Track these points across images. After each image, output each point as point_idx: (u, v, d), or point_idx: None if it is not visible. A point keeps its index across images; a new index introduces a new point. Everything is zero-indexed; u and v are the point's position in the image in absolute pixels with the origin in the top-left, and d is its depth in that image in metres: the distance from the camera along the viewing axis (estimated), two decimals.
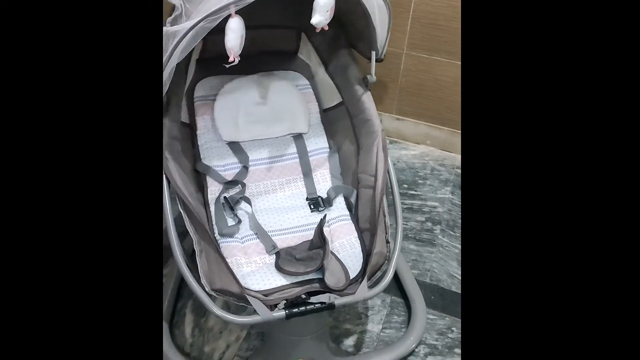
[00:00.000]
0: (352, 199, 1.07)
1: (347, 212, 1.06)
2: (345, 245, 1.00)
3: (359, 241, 1.00)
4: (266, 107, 1.14)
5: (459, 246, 1.29)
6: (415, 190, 1.45)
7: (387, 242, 0.95)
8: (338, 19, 0.90)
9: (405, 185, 1.46)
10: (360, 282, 0.88)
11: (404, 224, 1.35)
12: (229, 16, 0.77)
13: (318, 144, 1.16)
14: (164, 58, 0.78)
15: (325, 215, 0.97)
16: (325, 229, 1.03)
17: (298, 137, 1.15)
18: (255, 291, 0.89)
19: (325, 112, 1.20)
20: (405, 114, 1.58)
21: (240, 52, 0.80)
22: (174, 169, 0.90)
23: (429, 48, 1.42)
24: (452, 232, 1.33)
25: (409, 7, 1.36)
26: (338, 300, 0.85)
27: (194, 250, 0.88)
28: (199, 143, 1.10)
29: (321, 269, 0.90)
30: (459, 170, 1.50)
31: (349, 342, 1.09)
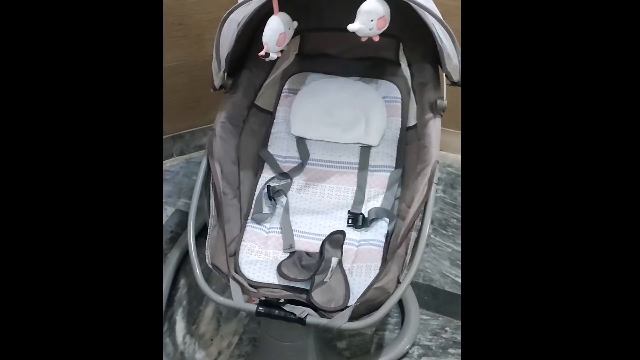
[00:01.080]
0: (390, 228, 0.99)
1: (383, 239, 0.99)
2: (362, 270, 0.94)
3: (377, 271, 0.93)
4: (343, 111, 1.12)
5: (452, 245, 1.28)
6: None
7: (399, 282, 0.86)
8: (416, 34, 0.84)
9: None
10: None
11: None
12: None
13: (384, 160, 1.09)
14: (215, 43, 0.84)
15: (340, 231, 0.93)
16: (352, 248, 0.99)
17: (365, 149, 1.11)
18: (246, 279, 0.91)
19: (408, 130, 1.12)
20: None
21: (277, 49, 0.81)
22: (217, 147, 0.97)
23: None
24: (444, 232, 1.31)
25: None
26: (310, 319, 0.81)
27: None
28: (272, 131, 1.15)
29: (312, 281, 0.87)
30: (451, 169, 1.49)
31: (342, 345, 1.06)
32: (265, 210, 1.05)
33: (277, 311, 0.82)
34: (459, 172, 1.47)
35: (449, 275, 1.20)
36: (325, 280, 0.89)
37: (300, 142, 1.14)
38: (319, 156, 1.12)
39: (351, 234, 1.00)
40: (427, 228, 0.87)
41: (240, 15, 0.79)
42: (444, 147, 1.41)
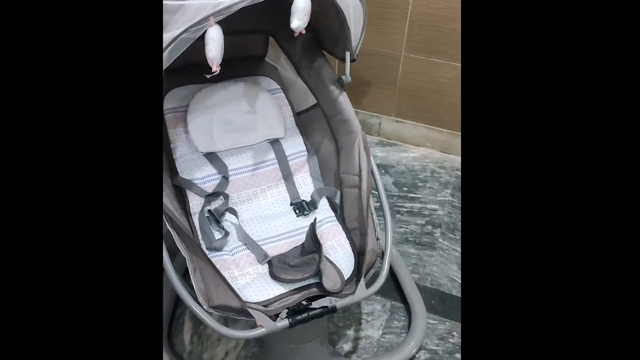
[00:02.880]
0: (337, 200, 1.07)
1: (333, 214, 1.06)
2: (335, 246, 1.01)
3: (348, 241, 1.01)
4: (240, 114, 1.12)
5: (460, 249, 1.27)
6: (415, 193, 1.44)
7: (377, 239, 0.96)
8: (310, 21, 0.90)
9: (405, 188, 1.45)
10: (357, 282, 0.89)
11: (404, 227, 1.34)
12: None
13: (296, 147, 1.15)
14: None
15: (315, 219, 0.97)
16: None
17: (275, 142, 1.14)
18: (255, 303, 0.87)
19: (299, 115, 1.19)
20: (404, 116, 1.58)
21: (220, 60, 0.78)
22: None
23: (427, 50, 1.42)
24: (452, 235, 1.31)
25: (406, 9, 1.37)
26: (339, 303, 0.85)
27: (186, 270, 0.85)
28: (175, 157, 1.07)
29: (318, 273, 0.90)
30: (459, 173, 1.48)
31: (349, 347, 1.08)
32: (217, 235, 0.99)
33: (308, 313, 0.83)
34: None
35: (456, 279, 1.19)
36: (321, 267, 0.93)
37: (212, 157, 1.08)
38: (237, 164, 1.10)
39: (304, 221, 1.05)
40: (381, 187, 1.00)
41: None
42: (452, 151, 1.55)
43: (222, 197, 1.04)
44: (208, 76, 0.78)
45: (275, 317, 0.83)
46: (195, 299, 0.82)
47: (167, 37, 0.72)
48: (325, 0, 0.87)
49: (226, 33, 0.89)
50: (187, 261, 0.84)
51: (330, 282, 0.90)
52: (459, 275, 1.21)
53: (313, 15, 0.84)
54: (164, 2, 0.73)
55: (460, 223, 1.34)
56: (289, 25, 0.90)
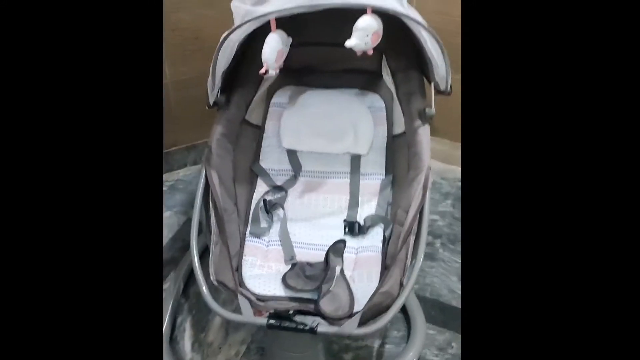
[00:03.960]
0: (387, 233, 1.02)
1: (380, 245, 1.02)
2: (364, 276, 0.97)
3: (378, 277, 0.96)
4: (332, 122, 1.15)
5: (460, 260, 1.26)
6: None
7: (401, 284, 0.89)
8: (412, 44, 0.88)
9: None
10: (351, 316, 0.85)
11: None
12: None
13: (374, 168, 1.13)
14: (212, 61, 0.86)
15: (341, 241, 0.95)
16: (351, 256, 1.01)
17: (355, 157, 1.14)
18: (253, 293, 0.91)
19: (393, 139, 1.16)
20: None
21: (276, 66, 0.83)
22: (214, 164, 0.98)
23: None
24: (452, 246, 1.29)
25: None
26: (321, 328, 0.83)
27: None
28: (263, 145, 1.17)
29: (319, 290, 0.89)
30: (460, 184, 1.48)
31: (349, 357, 1.06)
32: (263, 224, 1.06)
33: (287, 323, 0.83)
34: None
35: (456, 290, 1.19)
36: (330, 289, 0.91)
37: (292, 154, 1.16)
38: (311, 167, 1.14)
39: (349, 241, 1.03)
40: (425, 232, 0.91)
41: (237, 35, 0.81)
42: (454, 162, 1.49)
43: (284, 192, 1.10)
44: (262, 74, 0.84)
45: (261, 313, 0.86)
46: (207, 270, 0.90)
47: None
48: (398, 27, 0.83)
49: (336, 44, 0.94)
50: (212, 233, 0.93)
51: (332, 305, 0.88)
52: (459, 286, 1.20)
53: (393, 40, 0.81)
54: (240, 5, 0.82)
55: (460, 234, 1.32)
56: (396, 43, 0.87)
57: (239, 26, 0.76)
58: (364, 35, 0.79)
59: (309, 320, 0.84)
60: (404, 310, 1.11)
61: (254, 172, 1.14)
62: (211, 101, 0.97)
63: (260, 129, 1.19)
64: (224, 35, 0.79)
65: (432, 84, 0.94)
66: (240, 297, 0.86)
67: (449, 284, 1.20)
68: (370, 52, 0.84)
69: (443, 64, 0.87)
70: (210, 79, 0.90)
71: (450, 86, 0.95)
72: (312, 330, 0.83)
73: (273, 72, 0.85)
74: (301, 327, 0.83)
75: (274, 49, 0.81)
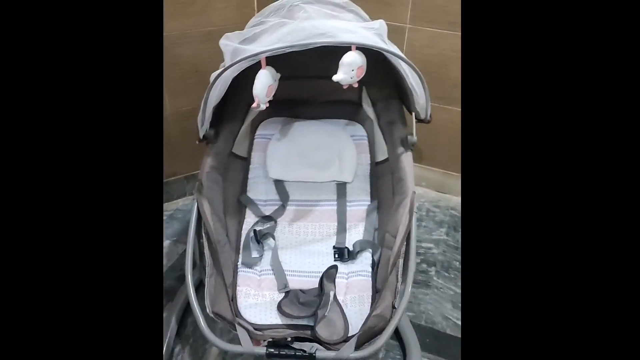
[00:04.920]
0: (376, 257, 1.05)
1: (370, 269, 1.05)
2: (356, 300, 0.99)
3: (370, 300, 0.98)
4: (317, 152, 1.19)
5: (454, 288, 1.29)
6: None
7: (394, 307, 0.92)
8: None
9: None
10: (346, 341, 0.87)
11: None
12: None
13: (360, 195, 1.17)
14: (204, 98, 0.89)
15: (333, 266, 0.97)
16: (342, 281, 1.04)
17: (341, 185, 1.18)
18: (250, 323, 0.92)
19: (377, 165, 1.21)
20: None
21: (266, 100, 0.87)
22: (206, 195, 0.99)
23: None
24: (446, 274, 1.32)
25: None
26: (320, 353, 0.84)
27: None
28: (249, 177, 1.20)
29: (315, 317, 0.90)
30: (454, 212, 1.53)
31: None
32: (254, 253, 1.07)
33: (287, 350, 0.84)
34: None
35: (450, 318, 1.20)
36: (325, 314, 0.93)
37: (279, 184, 1.18)
38: (299, 196, 1.17)
39: (340, 267, 1.05)
40: (413, 255, 0.94)
41: (230, 72, 0.85)
42: (447, 190, 1.56)
43: (273, 221, 1.12)
44: (254, 108, 0.88)
45: (259, 342, 0.87)
46: (203, 302, 0.91)
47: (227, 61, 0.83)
48: (379, 60, 0.89)
49: (320, 77, 0.98)
50: (206, 266, 0.94)
51: (327, 330, 0.90)
52: (453, 314, 1.22)
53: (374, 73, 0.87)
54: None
55: (454, 262, 1.36)
56: (377, 76, 0.90)
57: (231, 65, 0.79)
58: (350, 69, 0.84)
59: (307, 347, 0.85)
60: (399, 337, 1.12)
61: (241, 203, 1.16)
62: (201, 135, 0.99)
63: (245, 160, 1.21)
64: (214, 74, 0.82)
65: (413, 113, 1.00)
66: (238, 328, 0.87)
67: (442, 311, 1.22)
68: (356, 85, 0.89)
69: (423, 94, 0.92)
70: (200, 114, 0.92)
71: (430, 115, 1.00)
72: (312, 357, 0.84)
73: (263, 106, 0.88)
74: (300, 353, 0.84)
75: (265, 85, 0.85)
